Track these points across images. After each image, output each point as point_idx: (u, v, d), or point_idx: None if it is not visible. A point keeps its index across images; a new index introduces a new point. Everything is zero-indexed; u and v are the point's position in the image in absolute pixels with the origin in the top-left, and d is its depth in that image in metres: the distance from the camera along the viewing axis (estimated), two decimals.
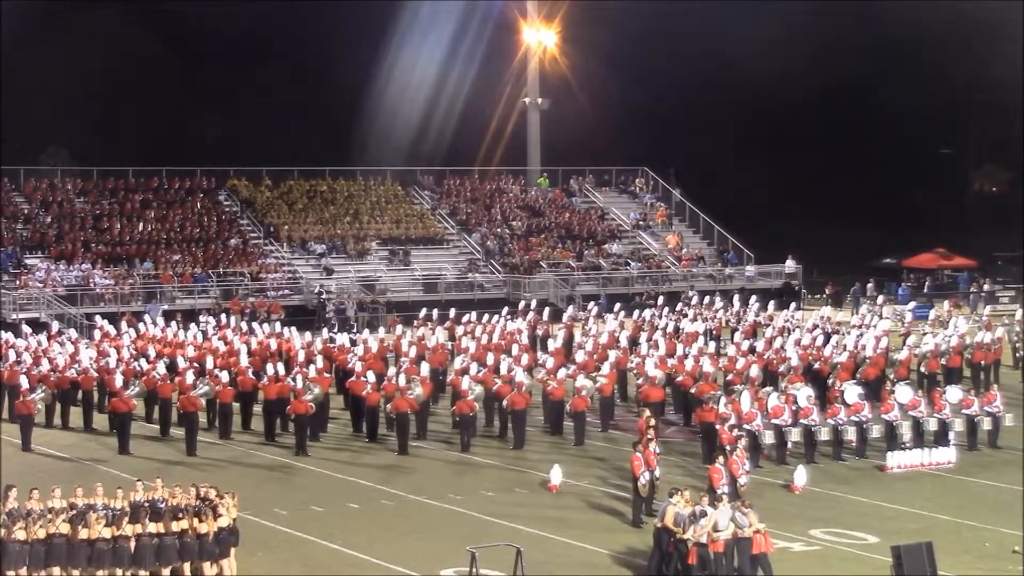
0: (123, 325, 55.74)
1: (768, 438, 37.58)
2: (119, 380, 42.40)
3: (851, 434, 38.43)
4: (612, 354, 47.15)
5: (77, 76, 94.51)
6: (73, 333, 54.51)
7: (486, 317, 57.28)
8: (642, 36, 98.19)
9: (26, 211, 71.91)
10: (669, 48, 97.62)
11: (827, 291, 75.33)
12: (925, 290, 77.90)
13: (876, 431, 38.70)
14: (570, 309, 61.55)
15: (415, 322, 57.61)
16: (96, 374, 45.13)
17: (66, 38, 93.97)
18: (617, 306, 61.15)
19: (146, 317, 58.09)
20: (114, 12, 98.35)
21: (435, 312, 58.18)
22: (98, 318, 57.02)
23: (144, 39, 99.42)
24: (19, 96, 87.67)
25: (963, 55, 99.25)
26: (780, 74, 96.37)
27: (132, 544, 26.35)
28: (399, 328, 55.36)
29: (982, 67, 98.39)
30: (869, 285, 73.67)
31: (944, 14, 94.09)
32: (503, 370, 43.59)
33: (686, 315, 59.62)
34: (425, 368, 44.45)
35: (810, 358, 47.39)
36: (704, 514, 26.74)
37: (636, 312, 61.25)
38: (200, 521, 26.61)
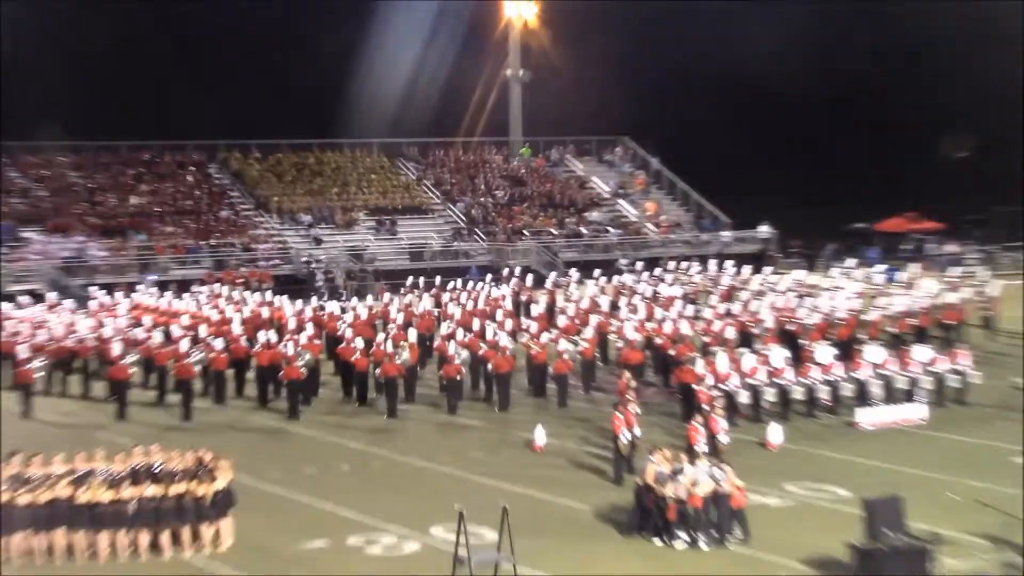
0: (119, 296, 56.20)
1: (744, 397, 38.33)
2: (117, 348, 42.93)
3: (824, 392, 39.29)
4: (593, 318, 47.90)
5: (70, 52, 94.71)
6: (70, 304, 55.26)
7: (471, 284, 58.18)
8: (621, 7, 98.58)
9: (22, 186, 72.49)
10: (647, 19, 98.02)
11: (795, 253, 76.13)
12: (895, 253, 78.65)
13: (848, 389, 39.54)
14: (552, 275, 62.35)
15: (402, 289, 58.07)
16: (94, 343, 45.83)
17: (59, 13, 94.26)
18: (597, 272, 61.81)
19: (140, 287, 58.84)
20: None
21: (421, 280, 58.98)
22: (94, 289, 57.75)
23: (135, 14, 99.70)
24: (13, 73, 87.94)
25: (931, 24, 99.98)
26: (756, 45, 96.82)
27: (132, 507, 26.71)
28: (387, 295, 55.73)
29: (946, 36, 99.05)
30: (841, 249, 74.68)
31: None
32: (488, 335, 44.17)
33: (663, 280, 60.48)
34: (413, 334, 45.03)
35: (784, 320, 48.27)
36: (683, 471, 27.32)
37: (615, 277, 61.86)
38: (197, 484, 27.03)
